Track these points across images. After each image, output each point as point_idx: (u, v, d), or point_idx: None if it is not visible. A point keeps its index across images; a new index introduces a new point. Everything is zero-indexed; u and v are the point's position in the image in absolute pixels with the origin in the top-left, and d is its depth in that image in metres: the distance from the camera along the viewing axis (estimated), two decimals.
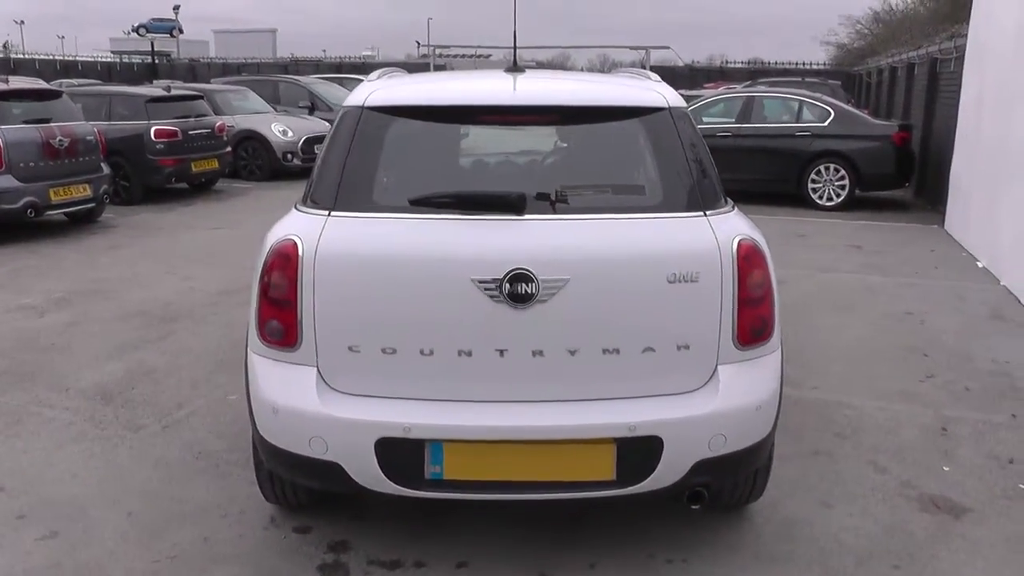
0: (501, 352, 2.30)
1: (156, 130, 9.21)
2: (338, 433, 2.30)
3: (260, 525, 2.88)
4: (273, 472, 2.66)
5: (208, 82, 14.71)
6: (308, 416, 2.32)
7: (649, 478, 2.36)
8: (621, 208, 2.44)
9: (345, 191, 2.39)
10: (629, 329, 2.34)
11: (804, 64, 33.41)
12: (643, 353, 2.35)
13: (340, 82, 17.00)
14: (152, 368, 4.40)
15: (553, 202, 2.35)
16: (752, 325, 2.45)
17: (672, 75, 34.22)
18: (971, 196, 7.58)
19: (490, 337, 2.29)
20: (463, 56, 32.88)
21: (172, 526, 2.87)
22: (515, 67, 2.81)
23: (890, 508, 3.08)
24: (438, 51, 30.74)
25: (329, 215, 2.37)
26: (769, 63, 33.66)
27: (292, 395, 2.36)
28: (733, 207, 2.58)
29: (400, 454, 2.29)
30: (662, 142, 2.51)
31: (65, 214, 7.93)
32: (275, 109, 13.17)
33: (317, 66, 28.45)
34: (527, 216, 2.32)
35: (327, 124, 13.20)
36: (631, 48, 37.36)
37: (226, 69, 27.16)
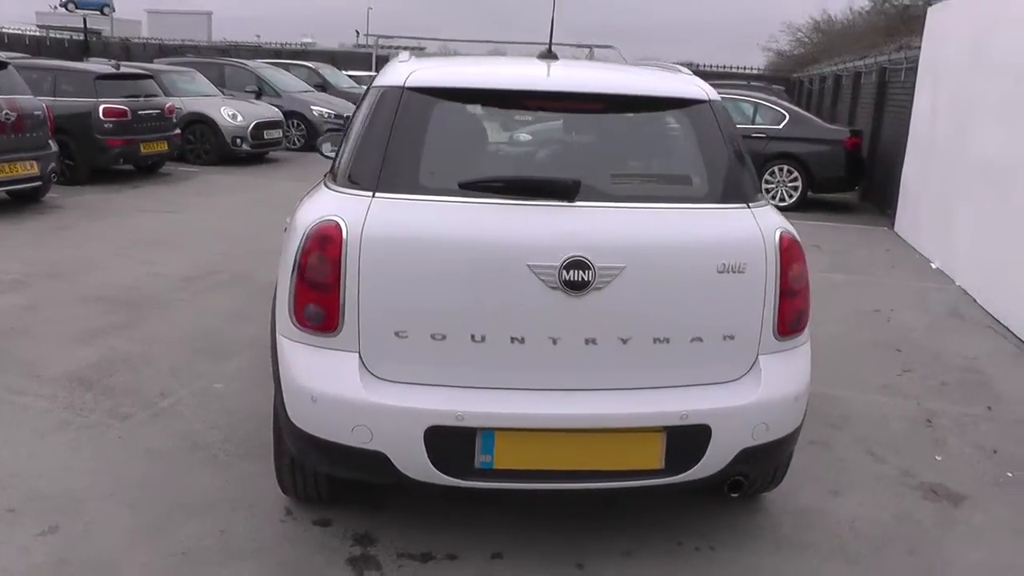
0: (554, 340, 2.26)
1: (105, 108, 8.78)
2: (385, 421, 2.22)
3: (276, 518, 2.76)
4: (300, 463, 2.55)
5: (144, 63, 14.07)
6: (351, 404, 2.23)
7: (696, 467, 2.36)
8: (670, 198, 2.43)
9: (389, 172, 2.30)
10: (680, 318, 2.33)
11: (739, 68, 34.19)
12: (691, 343, 2.35)
13: (286, 68, 16.59)
14: (127, 355, 4.18)
15: (605, 190, 2.33)
16: (791, 317, 2.48)
17: None
18: (922, 201, 7.90)
19: (544, 324, 2.25)
20: (405, 48, 32.61)
21: (180, 519, 2.73)
22: (549, 54, 2.77)
23: (895, 496, 3.17)
24: (380, 41, 30.38)
25: (373, 196, 2.28)
26: (702, 66, 34.32)
27: (333, 382, 2.26)
28: (767, 201, 2.60)
29: (449, 443, 2.22)
30: (705, 134, 2.50)
31: (8, 192, 7.48)
32: (222, 93, 12.73)
33: (257, 51, 27.59)
34: (581, 203, 2.29)
35: (276, 110, 12.85)
36: (576, 46, 37.78)
37: (163, 50, 26.01)
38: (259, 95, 13.73)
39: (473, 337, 2.24)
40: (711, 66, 35.31)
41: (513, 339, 2.25)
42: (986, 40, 6.52)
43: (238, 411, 3.58)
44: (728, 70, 34.63)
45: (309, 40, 37.95)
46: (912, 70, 9.04)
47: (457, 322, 2.24)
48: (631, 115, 2.56)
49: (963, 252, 6.51)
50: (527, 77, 2.55)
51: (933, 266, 7.15)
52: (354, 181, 2.36)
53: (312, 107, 14.41)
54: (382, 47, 30.67)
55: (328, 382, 2.27)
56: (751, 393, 2.40)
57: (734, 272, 2.35)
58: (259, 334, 4.55)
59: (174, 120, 10.05)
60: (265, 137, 12.17)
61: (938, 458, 3.52)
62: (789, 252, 2.43)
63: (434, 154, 2.39)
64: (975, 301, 6.07)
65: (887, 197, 9.46)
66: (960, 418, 3.95)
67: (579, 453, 2.29)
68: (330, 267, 2.23)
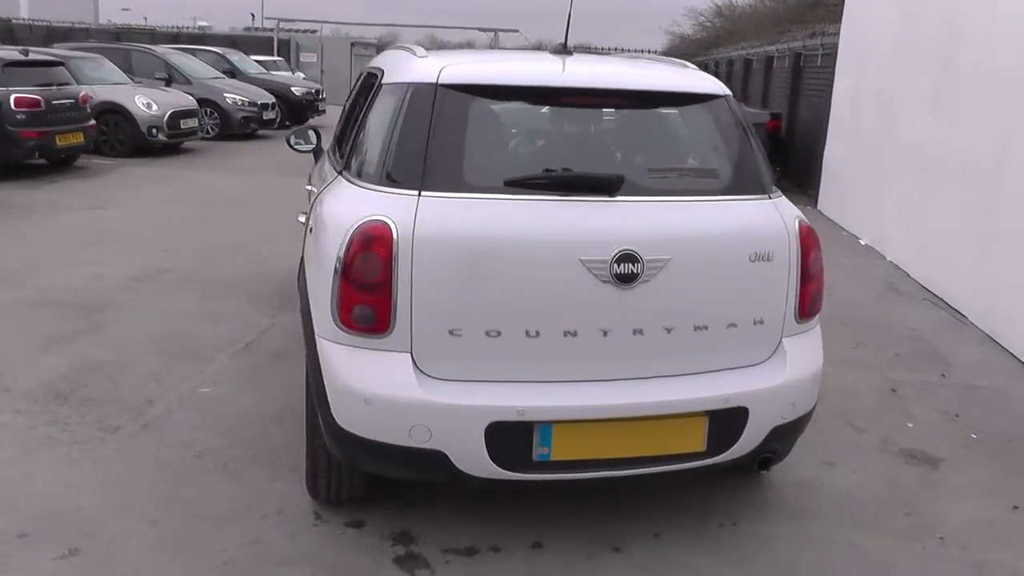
0: (605, 332, 2.32)
1: (16, 98, 8.20)
2: (444, 420, 2.23)
3: (307, 523, 2.73)
4: (337, 466, 2.53)
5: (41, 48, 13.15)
6: (409, 404, 2.23)
7: (734, 447, 2.48)
8: (703, 191, 2.52)
9: (432, 171, 2.30)
10: (717, 306, 2.44)
11: (636, 51, 34.83)
12: (727, 329, 2.46)
13: (192, 53, 15.88)
14: (98, 362, 3.99)
15: (643, 184, 2.39)
16: (810, 300, 2.62)
17: None
18: (848, 182, 8.35)
19: (595, 317, 2.30)
20: (305, 32, 31.64)
21: (208, 531, 2.66)
22: (564, 49, 2.81)
23: (881, 464, 3.40)
24: (281, 24, 29.43)
25: (420, 195, 2.27)
26: (599, 48, 34.73)
27: (388, 383, 2.25)
28: (779, 192, 2.73)
29: (508, 438, 2.26)
30: (725, 128, 2.61)
31: None
32: (131, 80, 12.09)
33: (153, 36, 26.21)
34: (623, 197, 2.35)
35: (191, 98, 12.30)
36: (481, 30, 37.44)
37: (52, 34, 24.35)
38: (169, 82, 13.11)
39: (528, 332, 2.28)
40: (606, 48, 35.76)
41: (566, 333, 2.30)
42: (911, 26, 6.94)
43: (235, 415, 3.49)
44: (626, 52, 35.18)
45: (205, 24, 36.42)
46: (829, 56, 9.51)
47: (511, 318, 2.27)
48: (657, 110, 2.64)
49: (893, 230, 6.94)
50: (557, 73, 2.58)
51: (862, 242, 7.59)
52: (394, 179, 2.34)
53: (225, 95, 13.88)
54: (284, 30, 29.76)
55: (383, 383, 2.26)
56: (780, 374, 2.53)
57: (764, 260, 2.47)
58: (234, 335, 4.44)
59: (88, 110, 9.50)
60: (181, 127, 11.67)
61: (909, 425, 3.78)
62: (808, 239, 2.57)
63: (475, 151, 2.40)
64: (908, 275, 6.50)
65: (808, 177, 9.95)
66: (920, 386, 4.25)
67: (630, 441, 2.37)
68: (381, 267, 2.22)
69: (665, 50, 40.29)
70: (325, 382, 2.36)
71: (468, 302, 2.25)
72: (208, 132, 13.48)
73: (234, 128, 13.77)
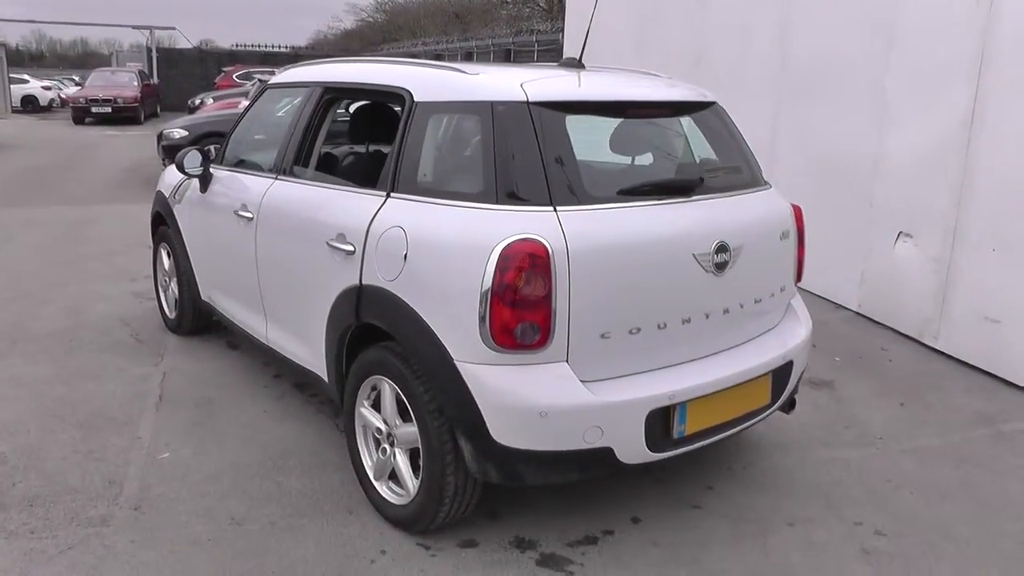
0: (707, 315, 2.64)
1: None
2: (613, 417, 2.38)
3: (423, 556, 2.65)
4: (465, 488, 2.54)
5: None
6: (584, 409, 2.34)
7: (783, 395, 2.96)
8: (742, 184, 2.91)
9: (557, 186, 2.40)
10: (766, 279, 2.88)
11: (277, 47, 33.97)
12: (770, 298, 2.92)
13: None
14: (1, 455, 3.27)
15: (708, 182, 2.74)
16: (802, 266, 3.19)
17: (182, 58, 32.24)
18: None
19: (701, 303, 2.61)
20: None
21: None
22: (579, 63, 3.03)
23: (804, 393, 4.16)
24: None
25: (555, 210, 2.37)
26: (256, 46, 33.56)
27: (561, 393, 2.33)
28: None
29: (656, 422, 2.47)
30: (729, 129, 3.05)
31: None
32: None
33: None
34: (700, 196, 2.67)
35: None
36: (134, 27, 33.86)
37: None
38: None
39: (658, 325, 2.51)
40: (246, 45, 34.43)
41: (683, 320, 2.57)
42: (646, 25, 8.03)
43: (224, 474, 3.16)
44: (268, 48, 34.06)
45: None
46: (546, 52, 10.52)
47: (647, 314, 2.48)
48: (688, 117, 2.98)
49: None
50: (622, 88, 2.84)
51: None
52: (520, 197, 2.39)
53: None
54: None
55: (556, 394, 2.33)
56: (802, 327, 3.07)
57: (785, 237, 2.97)
58: (131, 391, 3.88)
59: None
60: None
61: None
62: (800, 216, 3.12)
63: (584, 164, 2.54)
64: None
65: None
66: None
67: (731, 405, 2.71)
68: (542, 285, 2.29)
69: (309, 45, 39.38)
70: (480, 405, 2.36)
71: (615, 305, 2.42)
72: None
73: None
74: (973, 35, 4.43)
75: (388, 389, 2.68)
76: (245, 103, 8.14)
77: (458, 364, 2.38)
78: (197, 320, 4.55)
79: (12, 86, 27.87)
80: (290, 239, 3.21)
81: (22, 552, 2.65)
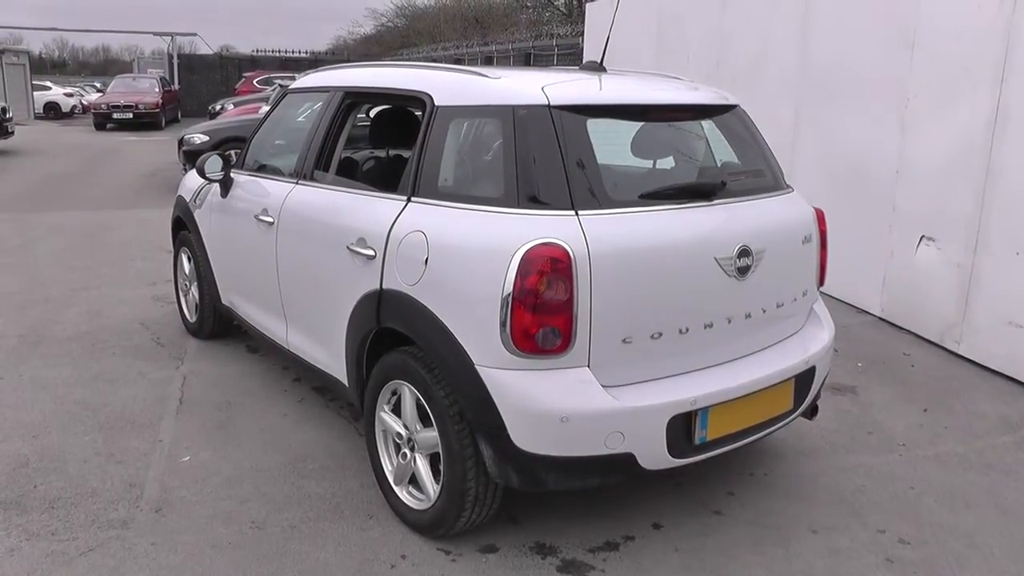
0: (729, 320, 2.61)
1: None
2: (635, 423, 2.36)
3: (444, 561, 2.64)
4: (486, 494, 2.53)
5: None
6: (605, 414, 2.33)
7: (805, 401, 2.93)
8: (764, 188, 2.88)
9: (578, 190, 2.39)
10: (789, 284, 2.85)
11: (299, 52, 34.14)
12: (793, 302, 2.89)
13: None
14: (20, 457, 3.31)
15: (731, 186, 2.72)
16: (825, 269, 3.16)
17: (203, 64, 32.55)
18: None
19: (723, 308, 2.58)
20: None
21: None
22: (601, 67, 3.01)
23: (826, 398, 4.12)
24: None
25: (577, 214, 2.36)
26: (276, 52, 33.82)
27: (581, 399, 2.32)
28: None
29: (678, 428, 2.45)
30: (751, 133, 3.02)
31: None
32: None
33: None
34: (731, 199, 2.65)
35: None
36: (155, 34, 34.27)
37: None
38: None
39: (680, 330, 2.49)
40: (266, 51, 34.67)
41: (706, 325, 2.55)
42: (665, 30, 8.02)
43: (244, 477, 3.16)
44: (288, 54, 34.28)
45: None
46: (566, 56, 10.53)
47: (669, 319, 2.46)
48: (710, 120, 2.95)
49: None
50: (643, 91, 2.82)
51: None
52: (541, 201, 2.39)
53: None
54: None
55: (576, 400, 2.32)
56: (827, 334, 3.03)
57: (807, 241, 2.94)
58: (151, 395, 3.91)
59: None
60: None
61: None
62: (823, 220, 3.09)
63: (605, 168, 2.53)
64: None
65: None
66: None
67: (753, 411, 2.69)
68: (564, 289, 2.28)
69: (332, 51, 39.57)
70: (501, 410, 2.35)
71: (637, 310, 2.40)
72: None
73: None
74: (996, 38, 4.38)
75: (408, 393, 2.68)
76: (265, 108, 8.20)
77: (479, 369, 2.37)
78: (217, 324, 4.58)
79: (35, 93, 28.25)
80: (311, 243, 3.22)
81: (43, 554, 2.66)
